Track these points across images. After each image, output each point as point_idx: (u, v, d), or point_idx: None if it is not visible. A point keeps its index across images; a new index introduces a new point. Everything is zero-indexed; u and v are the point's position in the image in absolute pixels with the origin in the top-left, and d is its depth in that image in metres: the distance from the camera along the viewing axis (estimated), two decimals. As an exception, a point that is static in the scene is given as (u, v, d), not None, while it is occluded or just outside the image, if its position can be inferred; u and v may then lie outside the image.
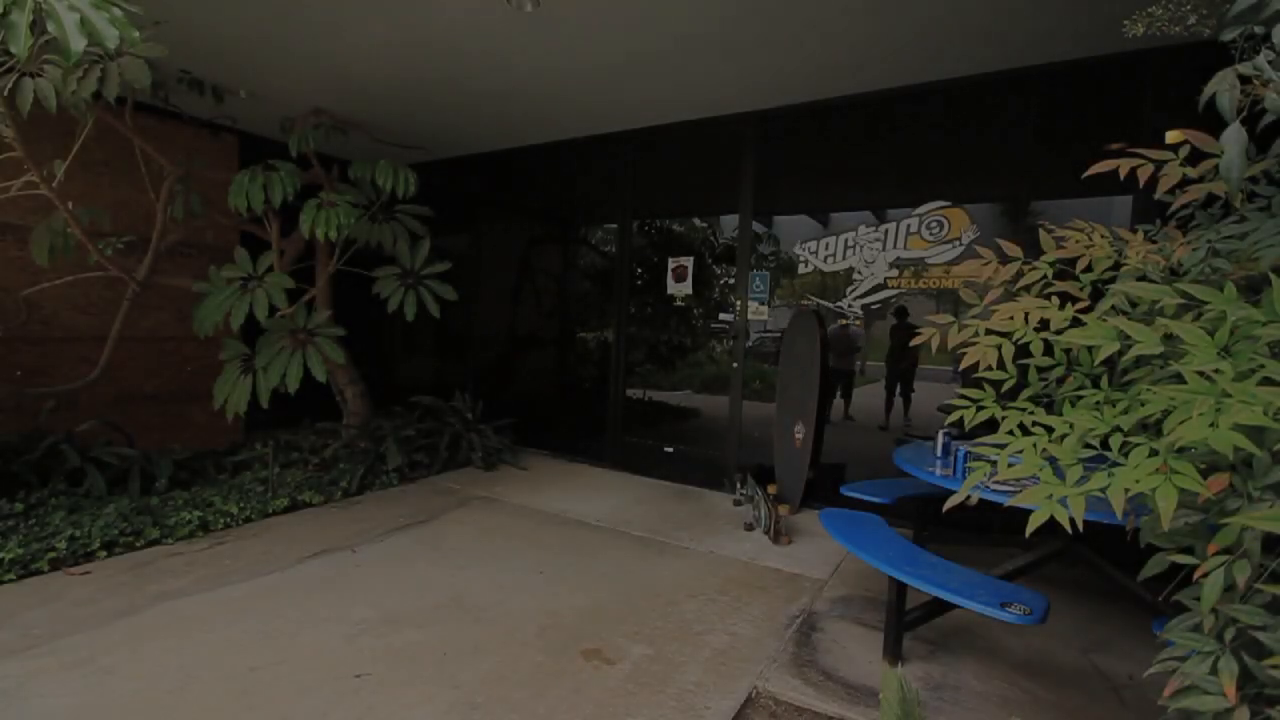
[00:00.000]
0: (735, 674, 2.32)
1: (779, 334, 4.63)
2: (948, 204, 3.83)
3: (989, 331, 1.43)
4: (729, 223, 4.82)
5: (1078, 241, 1.51)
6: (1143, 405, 1.05)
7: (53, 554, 2.98)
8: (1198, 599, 1.03)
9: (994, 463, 1.53)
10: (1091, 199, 3.54)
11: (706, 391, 5.15)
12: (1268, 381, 0.94)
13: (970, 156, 3.88)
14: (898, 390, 4.42)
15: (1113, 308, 1.39)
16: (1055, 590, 2.99)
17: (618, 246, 5.29)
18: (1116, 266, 1.47)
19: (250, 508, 3.75)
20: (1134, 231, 1.52)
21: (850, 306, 4.23)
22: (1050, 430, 1.24)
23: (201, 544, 3.35)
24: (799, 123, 4.36)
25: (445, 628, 2.56)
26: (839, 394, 4.52)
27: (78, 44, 1.99)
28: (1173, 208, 1.40)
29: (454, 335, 6.50)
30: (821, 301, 4.37)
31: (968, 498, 1.35)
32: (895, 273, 4.01)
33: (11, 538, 3.00)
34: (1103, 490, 1.03)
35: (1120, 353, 1.18)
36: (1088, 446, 1.18)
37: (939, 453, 2.74)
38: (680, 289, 5.00)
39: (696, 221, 5.22)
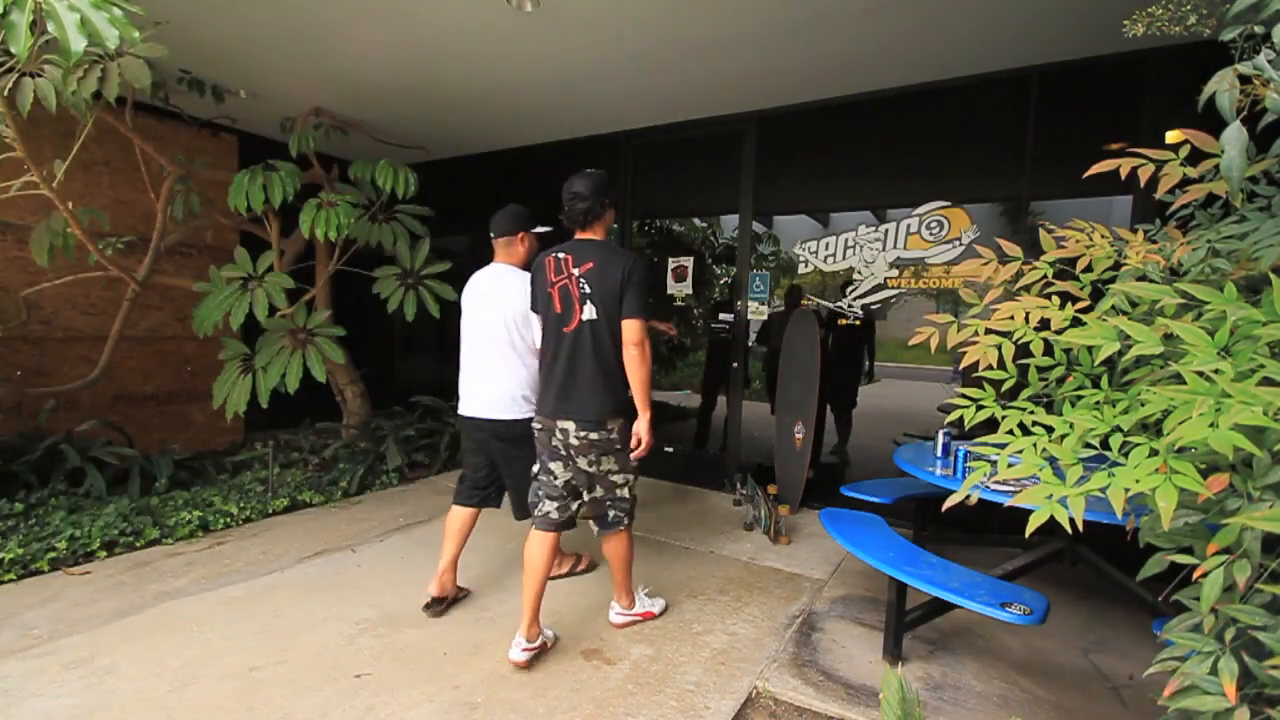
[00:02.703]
0: (735, 674, 2.32)
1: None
2: (948, 204, 3.82)
3: (989, 331, 1.42)
4: (729, 223, 4.82)
5: (1078, 241, 1.50)
6: (1143, 405, 1.05)
7: (53, 554, 2.99)
8: (1198, 599, 1.03)
9: (994, 462, 1.53)
10: (1091, 199, 3.54)
11: (706, 391, 5.14)
12: (1268, 381, 0.94)
13: (970, 156, 3.87)
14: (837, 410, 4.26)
15: (1113, 308, 1.39)
16: (1055, 590, 2.99)
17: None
18: (1117, 266, 1.47)
19: (250, 508, 3.75)
20: (1134, 231, 1.51)
21: (850, 306, 4.23)
22: (1050, 430, 1.24)
23: (201, 544, 3.36)
24: (799, 123, 4.36)
25: (445, 628, 2.57)
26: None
27: (78, 44, 1.99)
28: (1173, 208, 1.40)
29: (454, 335, 6.48)
30: (821, 302, 4.36)
31: (967, 497, 1.35)
32: (895, 273, 4.01)
33: (11, 538, 3.01)
34: (1103, 490, 1.02)
35: (1120, 353, 1.18)
36: (1088, 446, 1.18)
37: (939, 453, 2.75)
38: (680, 289, 5.00)
39: (696, 221, 5.22)
